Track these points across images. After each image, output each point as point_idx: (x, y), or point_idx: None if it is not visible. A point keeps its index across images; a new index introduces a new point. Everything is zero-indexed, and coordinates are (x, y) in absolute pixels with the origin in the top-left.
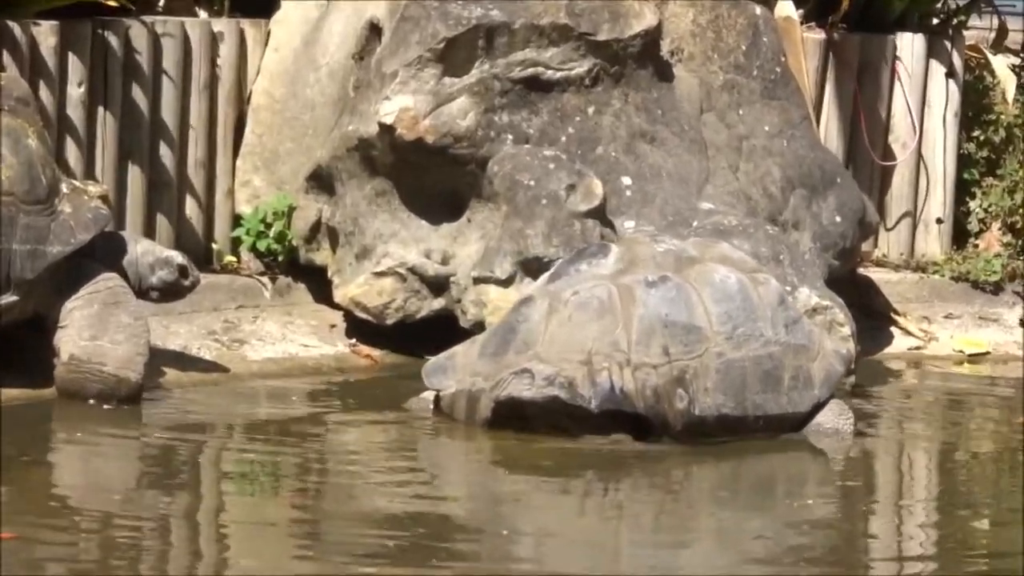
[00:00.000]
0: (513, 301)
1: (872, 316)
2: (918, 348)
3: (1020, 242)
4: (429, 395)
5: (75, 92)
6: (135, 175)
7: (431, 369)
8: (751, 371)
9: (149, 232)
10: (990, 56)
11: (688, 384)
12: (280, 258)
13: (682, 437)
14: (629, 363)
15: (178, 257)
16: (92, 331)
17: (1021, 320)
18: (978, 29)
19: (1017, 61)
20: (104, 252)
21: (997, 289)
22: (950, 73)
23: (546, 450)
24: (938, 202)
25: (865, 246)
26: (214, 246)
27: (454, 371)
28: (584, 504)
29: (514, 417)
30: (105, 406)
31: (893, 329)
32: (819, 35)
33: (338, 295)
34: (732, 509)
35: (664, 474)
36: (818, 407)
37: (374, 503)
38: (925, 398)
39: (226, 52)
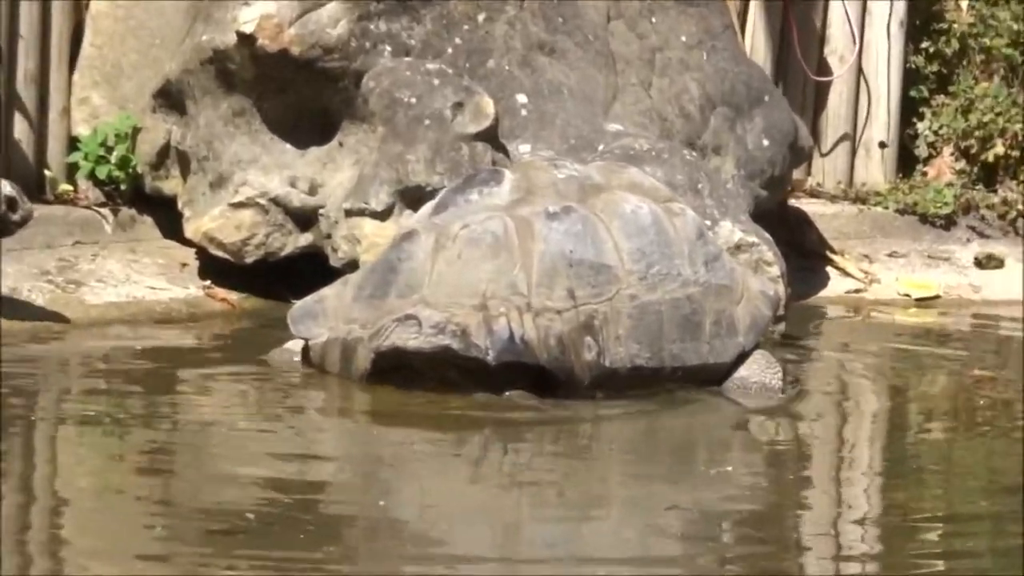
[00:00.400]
0: (391, 236)
1: (805, 255)
2: (858, 291)
3: (974, 169)
4: (295, 345)
5: None
6: None
7: (298, 315)
8: (668, 316)
9: None
10: None
11: (597, 332)
12: (123, 187)
13: (590, 391)
14: (530, 308)
15: (5, 186)
16: None
17: (976, 259)
18: None
19: None
20: None
21: (948, 223)
22: None
23: (432, 407)
24: (881, 123)
25: (797, 174)
26: (47, 173)
27: (325, 317)
28: (475, 471)
29: (397, 370)
30: None
31: (829, 270)
32: None
33: (190, 229)
34: (643, 477)
35: (567, 435)
36: (742, 357)
37: (233, 469)
38: (865, 349)
39: None
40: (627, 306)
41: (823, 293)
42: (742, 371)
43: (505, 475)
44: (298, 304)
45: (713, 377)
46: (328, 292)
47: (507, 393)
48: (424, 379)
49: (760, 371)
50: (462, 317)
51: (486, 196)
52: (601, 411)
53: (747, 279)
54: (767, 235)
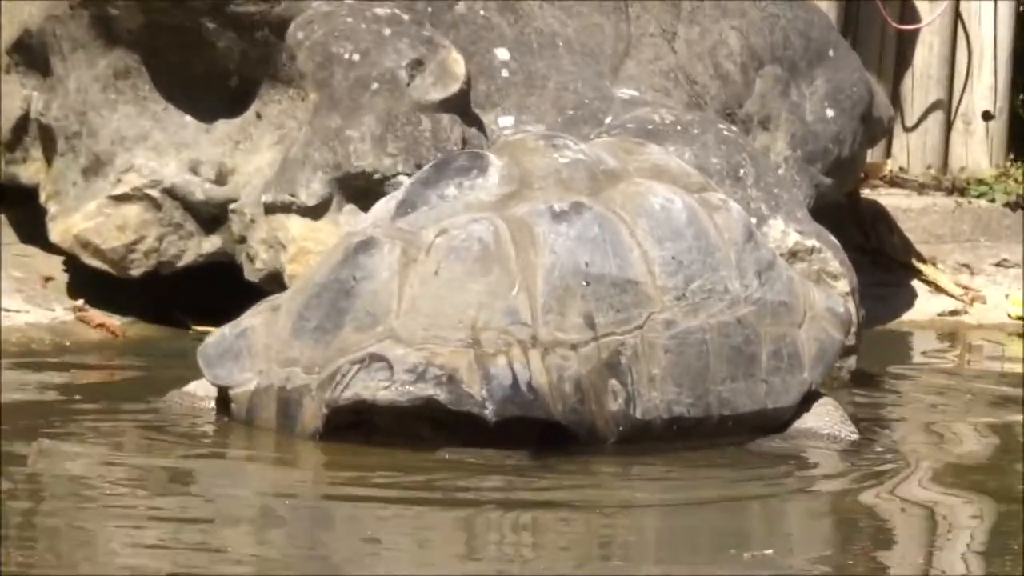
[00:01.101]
0: (327, 241)
1: (884, 264)
2: (955, 313)
3: None
4: (200, 387)
5: None
6: None
7: (213, 354)
8: (715, 347)
9: None
10: None
11: (625, 372)
12: None
13: (616, 447)
14: (536, 342)
15: None
16: None
17: None
18: None
19: None
20: None
21: None
22: None
23: (399, 469)
24: (985, 87)
25: (872, 155)
26: None
27: (252, 357)
28: None
29: (354, 425)
30: None
31: (916, 284)
32: None
33: (56, 231)
34: None
35: (582, 529)
36: (808, 399)
37: (113, 561)
38: (963, 395)
39: None
40: (662, 336)
41: (908, 315)
42: (809, 420)
43: None
44: (211, 339)
45: (770, 425)
46: (254, 322)
47: (506, 458)
48: (386, 435)
49: (831, 421)
50: (447, 357)
51: (467, 190)
52: (634, 491)
53: (809, 292)
54: (832, 238)
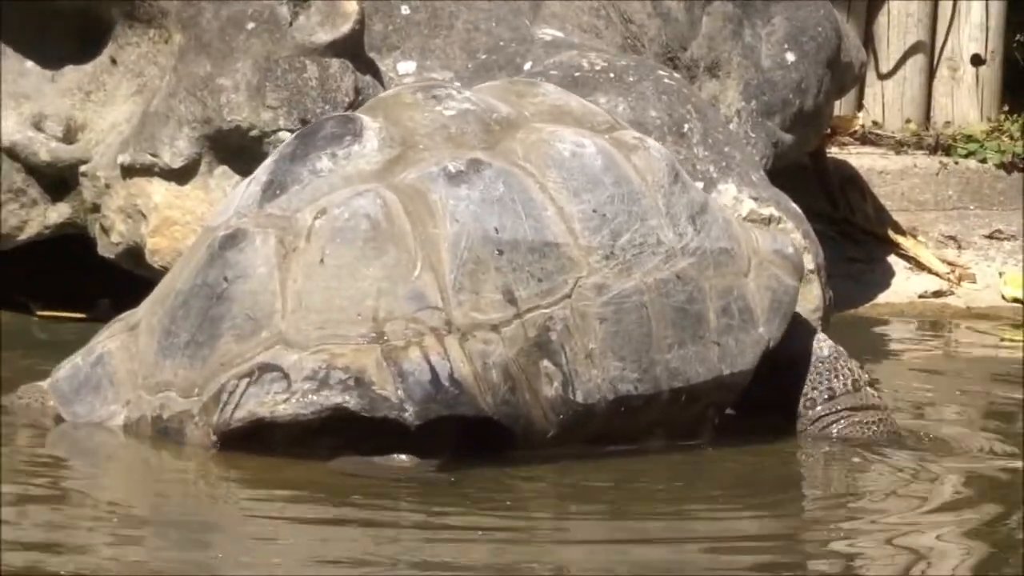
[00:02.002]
0: (195, 210)
1: (855, 236)
2: (939, 294)
3: None
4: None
5: None
6: None
7: (68, 388)
8: (655, 311)
9: None
10: None
11: (557, 351)
12: None
13: (556, 442)
14: (451, 327)
15: None
16: None
17: None
18: None
19: None
20: None
21: None
22: None
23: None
24: (974, 26)
25: (841, 107)
26: None
27: (114, 386)
28: None
29: (244, 439)
30: None
31: (893, 260)
32: None
33: None
34: None
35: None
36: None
37: None
38: (950, 396)
39: None
40: (594, 304)
41: (884, 297)
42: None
43: None
44: (63, 371)
45: (727, 396)
46: (110, 347)
47: (395, 460)
48: (279, 445)
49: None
50: (350, 357)
51: (343, 160)
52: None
53: (750, 235)
54: (794, 206)
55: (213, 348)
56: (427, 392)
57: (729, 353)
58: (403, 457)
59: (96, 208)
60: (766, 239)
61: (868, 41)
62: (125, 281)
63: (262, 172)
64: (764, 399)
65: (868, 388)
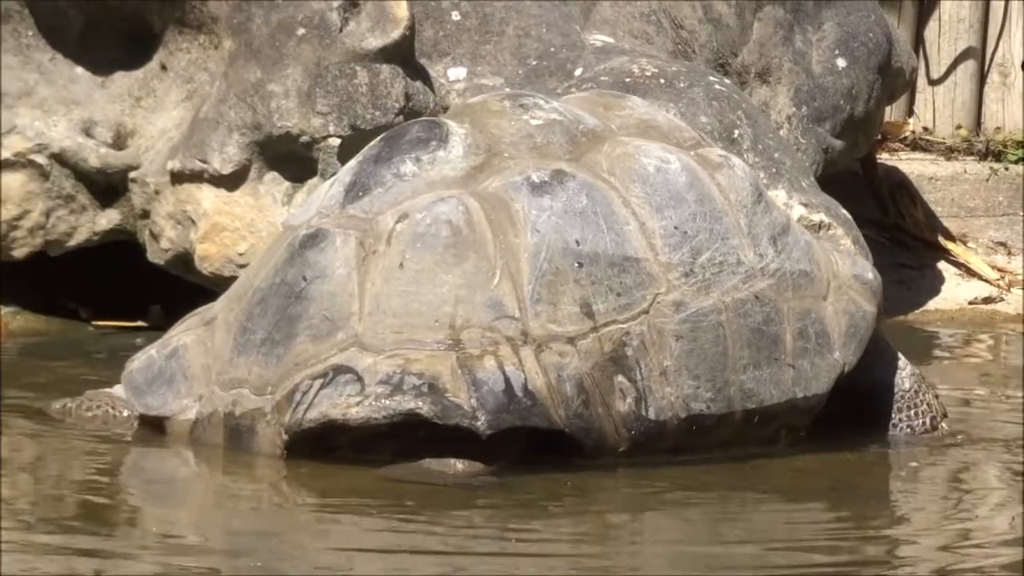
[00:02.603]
0: (245, 216)
1: (905, 242)
2: (989, 300)
3: None
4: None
5: None
6: None
7: (141, 380)
8: (732, 330)
9: None
10: None
11: (632, 367)
12: None
13: (627, 454)
14: (528, 338)
15: None
16: None
17: None
18: None
19: None
20: None
21: None
22: None
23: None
24: None
25: (892, 113)
26: None
27: (187, 380)
28: None
29: (317, 444)
30: None
31: (943, 266)
32: None
33: None
34: None
35: None
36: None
37: None
38: (1007, 401)
39: None
40: (671, 321)
41: (933, 303)
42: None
43: None
44: (137, 362)
45: (800, 419)
46: (185, 340)
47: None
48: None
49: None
50: (425, 363)
51: (427, 165)
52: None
53: (831, 259)
54: (844, 211)
55: (289, 347)
56: (500, 402)
57: (804, 376)
58: (458, 464)
59: (145, 214)
60: (846, 263)
61: (919, 46)
62: (175, 287)
63: (345, 173)
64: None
65: (943, 423)
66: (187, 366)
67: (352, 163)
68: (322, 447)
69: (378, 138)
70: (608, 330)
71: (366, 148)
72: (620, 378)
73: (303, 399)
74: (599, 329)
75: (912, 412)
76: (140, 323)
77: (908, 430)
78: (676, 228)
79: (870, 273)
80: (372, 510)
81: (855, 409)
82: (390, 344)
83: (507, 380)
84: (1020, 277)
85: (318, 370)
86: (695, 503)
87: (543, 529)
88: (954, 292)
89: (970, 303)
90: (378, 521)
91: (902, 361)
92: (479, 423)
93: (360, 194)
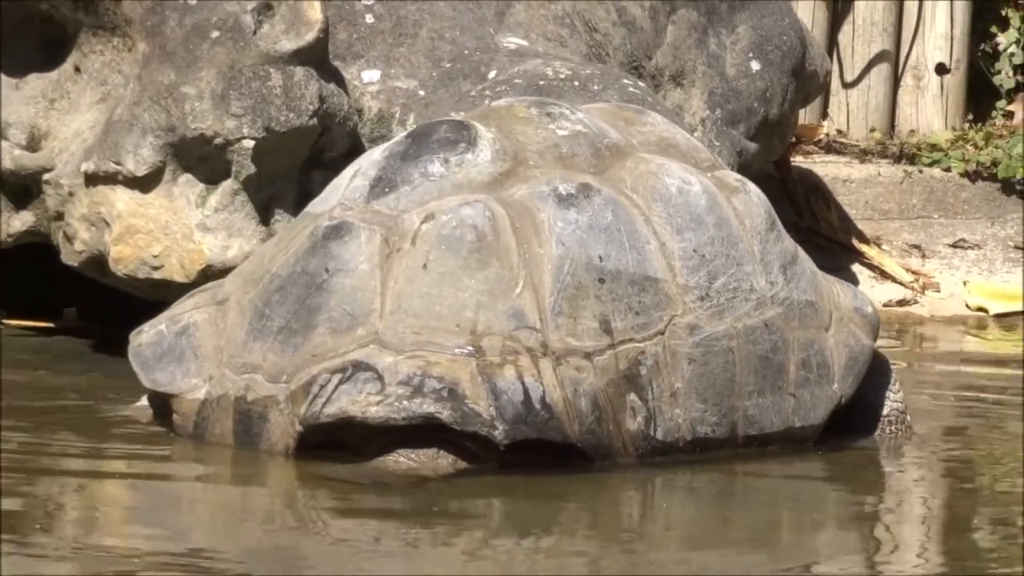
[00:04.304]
0: (159, 218)
1: (819, 244)
2: (903, 303)
3: None
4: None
5: None
6: None
7: (151, 354)
8: (741, 357)
9: None
10: None
11: (645, 386)
12: None
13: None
14: (547, 350)
15: None
16: None
17: None
18: None
19: None
20: None
21: None
22: None
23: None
24: (939, 35)
25: (806, 115)
26: None
27: (197, 359)
28: None
29: (327, 435)
30: None
31: (858, 268)
32: None
33: None
34: None
35: None
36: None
37: None
38: (916, 408)
39: None
40: (686, 343)
41: None
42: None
43: None
44: (145, 336)
45: (793, 446)
46: (197, 317)
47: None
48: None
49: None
50: (445, 367)
51: (455, 167)
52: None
53: (832, 289)
54: None
55: (307, 337)
56: (518, 413)
57: (803, 406)
58: (402, 459)
59: (60, 216)
60: (847, 295)
61: (833, 49)
62: (89, 289)
63: (370, 167)
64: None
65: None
66: (198, 345)
67: (377, 156)
68: (332, 438)
69: (404, 134)
70: (624, 348)
71: (391, 143)
72: (632, 397)
73: (321, 392)
74: (616, 346)
75: (903, 427)
76: (51, 324)
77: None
78: (695, 251)
79: (869, 307)
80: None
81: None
82: (410, 344)
83: (526, 391)
84: (934, 280)
85: (336, 364)
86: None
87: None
88: (869, 294)
89: (884, 305)
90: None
91: (894, 387)
92: (497, 432)
93: (386, 190)
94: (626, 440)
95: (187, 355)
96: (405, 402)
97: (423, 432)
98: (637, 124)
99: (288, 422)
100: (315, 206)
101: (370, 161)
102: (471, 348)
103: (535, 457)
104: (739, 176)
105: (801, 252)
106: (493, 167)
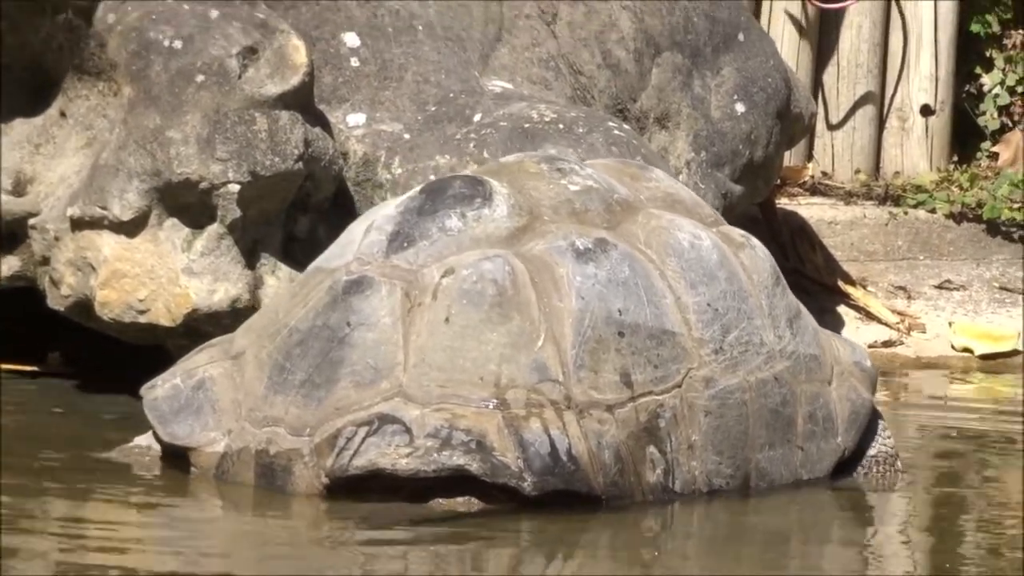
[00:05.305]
0: (145, 263)
1: (805, 286)
2: (889, 344)
3: None
4: (146, 438)
5: None
6: None
7: (167, 408)
8: (754, 410)
9: None
10: None
11: (664, 439)
12: None
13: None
14: (571, 403)
15: None
16: None
17: None
18: None
19: None
20: None
21: None
22: None
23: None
24: (924, 77)
25: (791, 157)
26: None
27: (215, 412)
28: None
29: (352, 487)
30: None
31: (843, 310)
32: None
33: None
34: None
35: None
36: (843, 465)
37: None
38: (904, 449)
39: None
40: (702, 396)
41: None
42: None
43: None
44: (160, 388)
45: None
46: (213, 371)
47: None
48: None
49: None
50: (472, 419)
51: (472, 221)
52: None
53: (832, 344)
54: None
55: (330, 391)
56: (546, 464)
57: (810, 459)
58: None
59: (46, 261)
60: (846, 349)
61: (818, 91)
62: (75, 334)
63: (385, 222)
64: None
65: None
66: (215, 398)
67: (391, 212)
68: (358, 489)
69: (417, 189)
70: (644, 401)
71: (405, 199)
72: (652, 449)
73: (348, 445)
74: (636, 399)
75: (891, 468)
76: (38, 368)
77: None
78: (709, 305)
79: (868, 361)
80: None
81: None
82: (435, 397)
83: (552, 443)
84: (920, 321)
85: (362, 417)
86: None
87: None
88: (854, 336)
89: (870, 346)
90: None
91: (884, 433)
92: (526, 484)
93: (405, 245)
94: (645, 491)
95: (205, 408)
96: (435, 454)
97: (449, 482)
98: (643, 180)
99: (313, 474)
100: (328, 261)
101: (384, 216)
102: (496, 401)
103: (555, 502)
104: (743, 232)
105: (803, 307)
106: (510, 222)
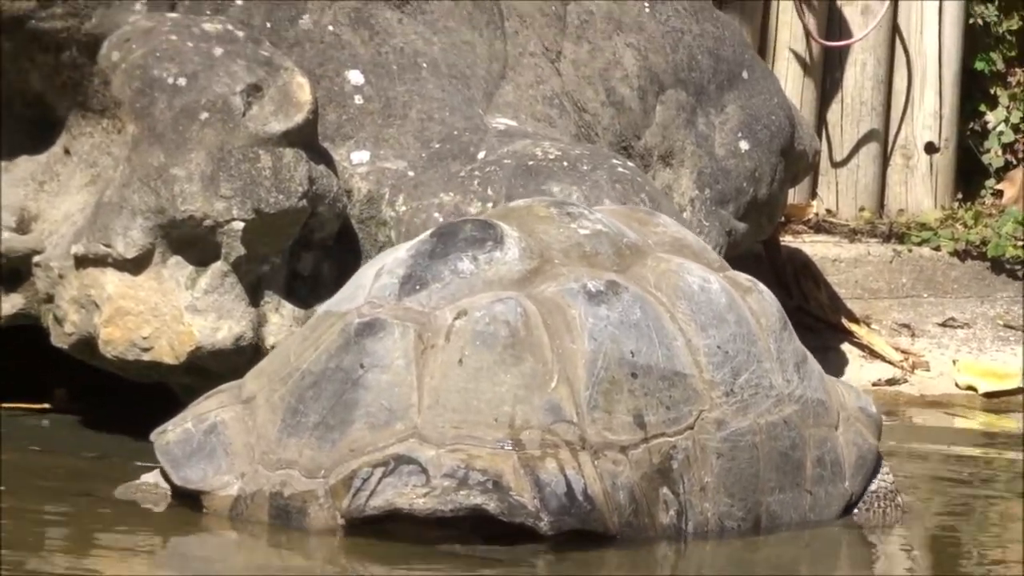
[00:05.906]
0: (149, 300)
1: (809, 324)
2: (893, 382)
3: None
4: (153, 475)
5: None
6: None
7: (180, 453)
8: (764, 452)
9: None
10: None
11: (677, 480)
12: None
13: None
14: (585, 444)
15: None
16: None
17: None
18: None
19: None
20: None
21: None
22: None
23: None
24: (928, 114)
25: (795, 195)
26: None
27: (229, 456)
28: None
29: (368, 528)
30: None
31: (847, 348)
32: None
33: None
34: None
35: None
36: (848, 509)
37: None
38: (909, 485)
39: None
40: (714, 438)
41: None
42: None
43: None
44: (172, 433)
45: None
46: (224, 416)
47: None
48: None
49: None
50: (488, 460)
51: (484, 264)
52: None
53: (837, 389)
54: None
55: (344, 433)
56: (562, 504)
57: (819, 503)
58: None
59: (49, 298)
60: (851, 395)
61: (822, 129)
62: (79, 371)
63: (396, 265)
64: None
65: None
66: (228, 442)
67: (402, 256)
68: (374, 530)
69: (427, 233)
70: (657, 442)
71: (416, 243)
72: (665, 490)
73: (364, 486)
74: (649, 440)
75: (892, 504)
76: (45, 405)
77: (882, 517)
78: (719, 347)
79: (872, 407)
80: None
81: None
82: (450, 438)
83: (568, 484)
84: (924, 359)
85: (377, 458)
86: None
87: None
88: (858, 374)
89: (874, 384)
90: None
91: (884, 468)
92: (542, 524)
93: (417, 287)
94: (659, 532)
95: (218, 452)
96: (452, 494)
97: (466, 521)
98: (650, 225)
99: (329, 516)
100: (339, 304)
101: (395, 260)
102: (511, 441)
103: (569, 542)
104: (749, 276)
105: (808, 352)
106: (521, 265)
